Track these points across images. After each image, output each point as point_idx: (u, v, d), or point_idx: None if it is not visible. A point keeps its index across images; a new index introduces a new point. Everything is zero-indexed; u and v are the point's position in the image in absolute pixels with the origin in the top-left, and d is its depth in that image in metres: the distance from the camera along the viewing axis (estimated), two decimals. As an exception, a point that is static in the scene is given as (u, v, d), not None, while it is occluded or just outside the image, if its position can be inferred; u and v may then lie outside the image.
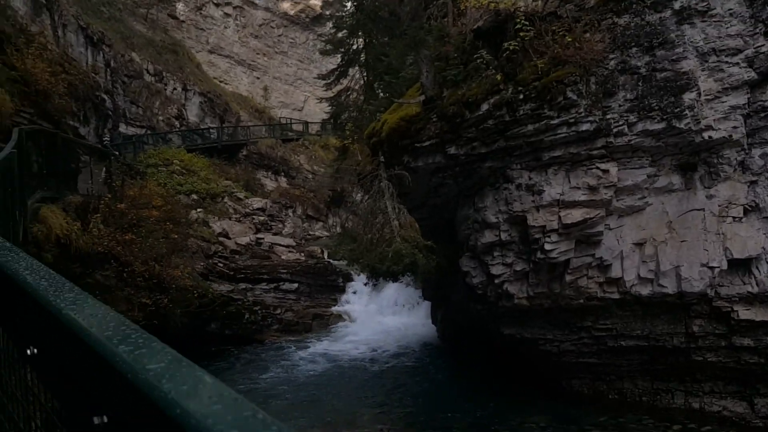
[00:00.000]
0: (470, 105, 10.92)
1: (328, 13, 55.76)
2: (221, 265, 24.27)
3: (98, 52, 35.13)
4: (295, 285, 24.23)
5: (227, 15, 52.39)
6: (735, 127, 9.88)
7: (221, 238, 28.43)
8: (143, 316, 10.52)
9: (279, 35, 55.26)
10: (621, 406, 12.43)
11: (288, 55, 55.62)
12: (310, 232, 40.96)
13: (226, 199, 35.64)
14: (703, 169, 10.47)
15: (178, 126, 40.98)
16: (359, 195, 13.83)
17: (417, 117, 11.99)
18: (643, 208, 10.82)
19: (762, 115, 9.90)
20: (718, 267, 10.15)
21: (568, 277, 11.37)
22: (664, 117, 9.90)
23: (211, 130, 42.68)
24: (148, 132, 38.23)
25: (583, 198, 10.61)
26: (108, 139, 32.16)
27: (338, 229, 44.29)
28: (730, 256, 10.11)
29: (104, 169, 15.28)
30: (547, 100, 10.28)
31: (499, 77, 10.64)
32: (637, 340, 11.62)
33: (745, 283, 10.20)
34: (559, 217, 10.84)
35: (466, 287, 13.46)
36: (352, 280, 25.34)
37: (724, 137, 9.86)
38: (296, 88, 56.10)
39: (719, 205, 10.29)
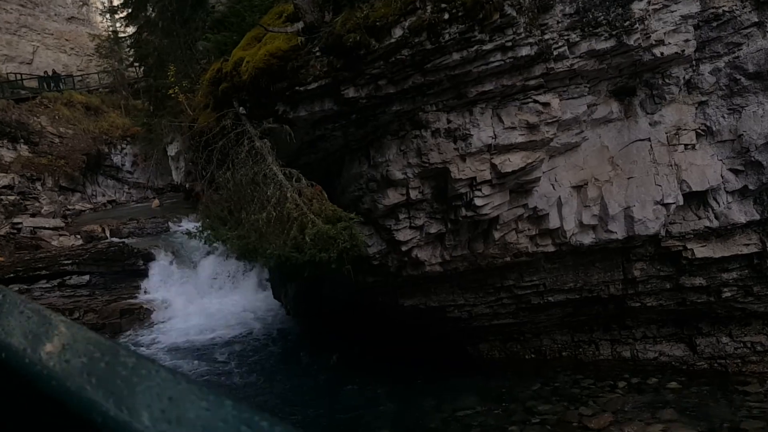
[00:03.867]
0: (378, 31, 8.43)
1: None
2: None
3: None
4: (86, 277, 19.72)
5: None
6: (687, 41, 8.75)
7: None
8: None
9: (-10, -26, 45.36)
10: (542, 366, 11.32)
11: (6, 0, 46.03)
12: (69, 207, 35.07)
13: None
14: (643, 93, 9.30)
15: None
16: (200, 159, 10.61)
17: (294, 52, 9.16)
18: (578, 144, 9.42)
19: (714, 24, 8.85)
20: (674, 203, 9.18)
21: (496, 234, 9.70)
22: (613, 33, 8.43)
23: None
24: None
25: (521, 139, 8.87)
26: None
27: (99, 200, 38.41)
28: (688, 189, 9.17)
29: None
30: (478, 20, 8.20)
31: (412, -8, 8.30)
32: (567, 294, 10.45)
33: (700, 218, 9.40)
34: (492, 164, 9.02)
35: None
36: (154, 259, 21.45)
37: (676, 53, 8.70)
38: (21, 37, 46.90)
39: (666, 133, 9.26)
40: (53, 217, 28.30)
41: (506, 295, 10.78)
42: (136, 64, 19.94)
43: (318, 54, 9.10)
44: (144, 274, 20.75)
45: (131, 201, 40.08)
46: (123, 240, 23.00)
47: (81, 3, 49.23)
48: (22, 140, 36.67)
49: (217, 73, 10.56)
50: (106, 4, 46.98)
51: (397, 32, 8.39)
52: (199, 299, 19.36)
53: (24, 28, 46.70)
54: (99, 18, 48.49)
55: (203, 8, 13.36)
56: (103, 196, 40.23)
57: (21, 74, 42.64)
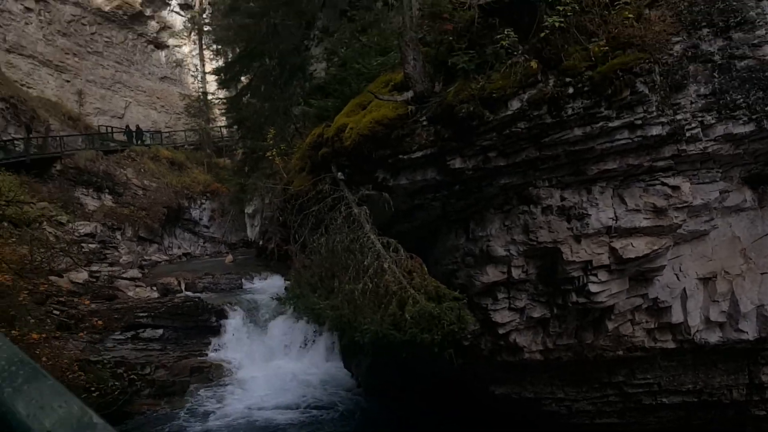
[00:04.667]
0: (493, 103, 7.98)
1: (148, 11, 49.87)
2: (58, 312, 18.96)
3: None
4: (159, 331, 19.57)
5: (28, 9, 44.44)
6: (833, 130, 7.96)
7: (50, 277, 22.76)
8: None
9: (92, 33, 48.13)
10: (649, 473, 10.16)
11: (104, 56, 48.66)
12: (146, 257, 35.71)
13: (44, 225, 29.27)
14: (780, 183, 8.49)
15: (-25, 139, 33.36)
16: (294, 223, 10.23)
17: (400, 120, 8.82)
18: (706, 232, 8.59)
19: None
20: (817, 305, 8.21)
21: (609, 325, 8.84)
22: (753, 117, 7.71)
23: (16, 142, 35.34)
24: (-62, 148, 30.59)
25: (645, 223, 8.12)
26: None
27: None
28: (832, 290, 8.21)
29: None
30: (605, 96, 7.65)
31: (534, 65, 7.83)
32: (684, 396, 9.40)
33: (844, 324, 8.36)
34: (612, 248, 8.28)
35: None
36: (226, 317, 21.18)
37: (822, 142, 7.90)
38: (115, 92, 49.29)
39: (807, 227, 8.37)
40: (131, 267, 28.72)
41: (613, 392, 9.80)
42: (234, 126, 20.16)
43: (425, 123, 8.72)
44: (216, 332, 20.46)
45: (205, 255, 40.62)
46: (198, 295, 22.97)
47: (174, 64, 51.58)
48: (107, 190, 37.87)
49: (317, 138, 10.32)
50: (198, 67, 49.12)
51: (515, 104, 7.92)
52: (267, 363, 18.84)
53: (118, 84, 49.12)
54: (190, 79, 50.63)
55: (303, 74, 13.40)
56: (179, 248, 40.86)
57: (112, 127, 44.47)
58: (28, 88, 42.75)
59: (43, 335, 9.83)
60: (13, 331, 8.28)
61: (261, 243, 32.83)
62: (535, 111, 7.86)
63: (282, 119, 13.97)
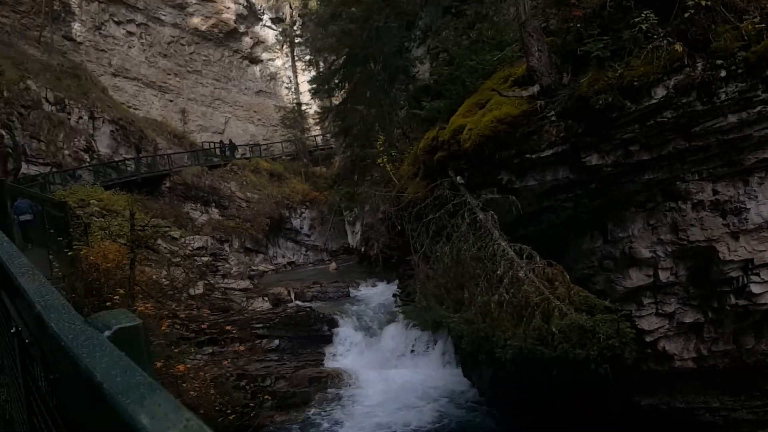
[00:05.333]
0: (634, 91, 7.30)
1: (242, 28, 51.27)
2: (178, 326, 19.50)
3: (-14, 80, 29.36)
4: (276, 342, 19.76)
5: (130, 33, 46.72)
6: None
7: (168, 292, 23.54)
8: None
9: (191, 53, 50.05)
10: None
11: (203, 75, 50.49)
12: (253, 267, 36.52)
13: (159, 241, 30.44)
14: None
15: (88, 160, 35.01)
16: (413, 231, 9.82)
17: (524, 117, 8.27)
18: None
19: None
20: None
21: (773, 329, 7.96)
22: None
23: (126, 162, 36.98)
24: (54, 170, 32.15)
25: (815, 215, 7.22)
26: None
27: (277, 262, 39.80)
28: None
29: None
30: (762, 78, 6.82)
31: (678, 48, 7.10)
32: None
33: None
34: (776, 245, 7.42)
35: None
36: (338, 326, 21.16)
37: None
38: (215, 109, 51.04)
39: None
40: (242, 279, 29.39)
41: (777, 401, 8.84)
42: (341, 134, 20.07)
43: (554, 118, 8.13)
44: (328, 340, 20.44)
45: (308, 263, 41.11)
46: (308, 304, 23.11)
47: (269, 78, 52.80)
48: (213, 204, 39.05)
49: (432, 142, 9.91)
50: (291, 79, 50.07)
51: (659, 92, 7.21)
52: (383, 372, 18.52)
53: (218, 101, 50.77)
54: (284, 91, 51.68)
55: (406, 76, 13.06)
56: (283, 257, 41.57)
57: (213, 143, 45.91)
58: (135, 109, 44.84)
59: (188, 365, 9.92)
60: (157, 363, 8.35)
61: (363, 250, 32.79)
62: (683, 98, 7.13)
63: (388, 124, 13.63)
